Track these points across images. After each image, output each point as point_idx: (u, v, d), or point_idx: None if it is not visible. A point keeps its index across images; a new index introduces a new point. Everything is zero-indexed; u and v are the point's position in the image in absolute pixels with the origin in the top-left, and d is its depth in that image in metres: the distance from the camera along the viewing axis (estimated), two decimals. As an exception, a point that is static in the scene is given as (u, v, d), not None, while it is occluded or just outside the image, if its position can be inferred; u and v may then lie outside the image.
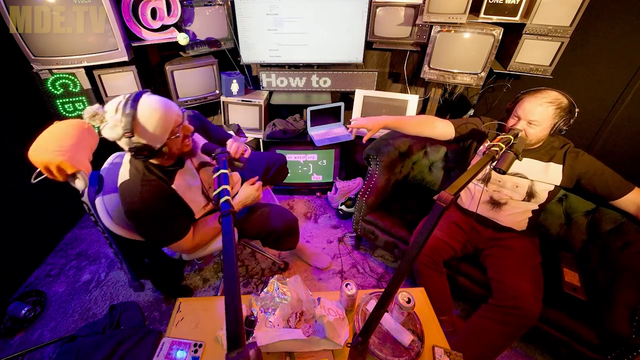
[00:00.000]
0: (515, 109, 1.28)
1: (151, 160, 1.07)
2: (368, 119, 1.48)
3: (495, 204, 1.40)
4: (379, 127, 1.46)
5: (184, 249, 1.22)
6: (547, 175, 1.31)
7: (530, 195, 1.34)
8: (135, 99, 0.95)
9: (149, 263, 1.52)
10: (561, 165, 1.29)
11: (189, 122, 1.10)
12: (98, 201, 1.13)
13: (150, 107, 0.96)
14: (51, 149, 0.88)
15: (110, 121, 0.94)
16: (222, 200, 0.75)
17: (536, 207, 1.36)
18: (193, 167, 1.19)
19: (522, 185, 1.34)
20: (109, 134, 0.96)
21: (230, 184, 1.37)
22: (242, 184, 1.48)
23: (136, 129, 0.94)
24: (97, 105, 0.95)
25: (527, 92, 1.27)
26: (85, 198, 1.14)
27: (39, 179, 1.02)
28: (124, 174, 1.08)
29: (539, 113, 1.20)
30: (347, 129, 1.60)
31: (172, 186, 1.11)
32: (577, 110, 1.21)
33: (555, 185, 1.32)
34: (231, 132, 1.66)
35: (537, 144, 1.31)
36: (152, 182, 1.06)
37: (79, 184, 1.06)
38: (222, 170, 0.85)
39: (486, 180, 1.40)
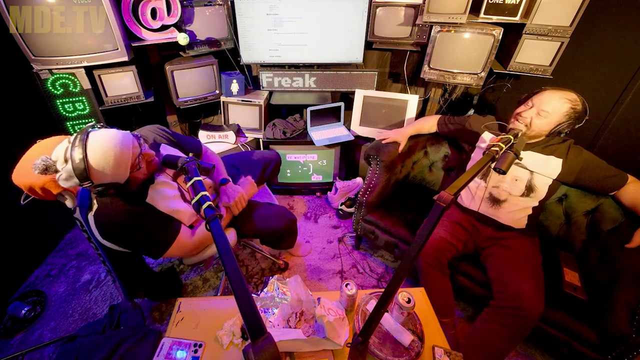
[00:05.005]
0: (532, 98, 1.31)
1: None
2: (397, 133, 1.67)
3: (494, 201, 1.40)
4: (407, 138, 1.67)
5: (181, 254, 1.20)
6: (546, 168, 1.32)
7: (529, 190, 1.35)
8: (82, 142, 0.85)
9: (142, 276, 1.52)
10: (561, 159, 1.32)
11: (153, 141, 1.07)
12: (90, 217, 1.05)
13: (102, 149, 0.87)
14: (33, 170, 0.85)
15: (63, 172, 0.86)
16: (204, 207, 0.74)
17: (536, 203, 1.36)
18: (168, 177, 1.14)
19: (521, 179, 1.35)
20: (66, 184, 0.89)
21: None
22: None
23: (93, 175, 0.87)
24: (42, 157, 0.85)
25: (551, 87, 1.30)
26: (77, 214, 1.12)
27: (28, 200, 1.01)
28: (93, 205, 1.03)
29: (553, 105, 1.23)
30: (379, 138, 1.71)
31: (147, 200, 1.05)
32: (586, 118, 1.24)
33: (554, 180, 1.32)
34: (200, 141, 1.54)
35: (535, 139, 1.32)
36: (121, 205, 1.01)
37: (68, 203, 1.04)
38: (195, 178, 0.83)
39: (485, 175, 1.41)
